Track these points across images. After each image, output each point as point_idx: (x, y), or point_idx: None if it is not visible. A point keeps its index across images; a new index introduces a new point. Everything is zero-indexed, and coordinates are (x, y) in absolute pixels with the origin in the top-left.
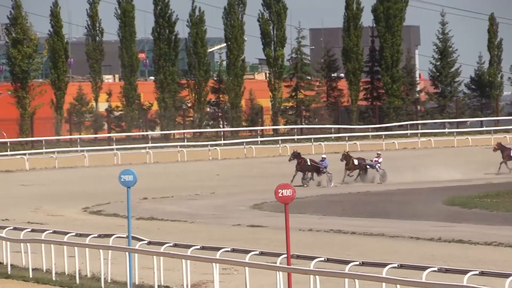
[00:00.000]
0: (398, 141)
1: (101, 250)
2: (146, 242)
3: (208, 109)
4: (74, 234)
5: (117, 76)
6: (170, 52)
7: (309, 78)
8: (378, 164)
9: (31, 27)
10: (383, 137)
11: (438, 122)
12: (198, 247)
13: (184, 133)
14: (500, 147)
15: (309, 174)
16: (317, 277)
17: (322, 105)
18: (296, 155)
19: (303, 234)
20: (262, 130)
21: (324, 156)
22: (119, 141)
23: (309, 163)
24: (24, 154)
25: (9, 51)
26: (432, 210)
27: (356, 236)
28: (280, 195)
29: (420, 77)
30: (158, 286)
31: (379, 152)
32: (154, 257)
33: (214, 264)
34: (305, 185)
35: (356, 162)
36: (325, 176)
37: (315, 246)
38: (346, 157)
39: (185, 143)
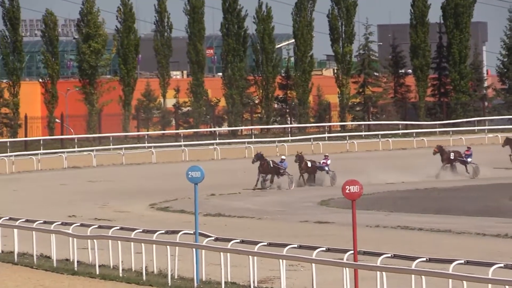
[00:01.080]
0: (466, 137)
1: (168, 247)
2: (213, 238)
3: (275, 105)
4: (141, 230)
5: (185, 72)
6: (239, 48)
7: (377, 74)
8: (327, 167)
9: (103, 23)
10: (451, 133)
11: (505, 118)
12: (265, 243)
13: (251, 129)
14: (440, 150)
15: (269, 176)
16: (383, 273)
17: (389, 101)
18: (259, 157)
19: (370, 230)
20: (329, 126)
21: (283, 157)
22: (186, 137)
23: (271, 165)
24: (92, 151)
25: (80, 46)
26: (499, 206)
27: (423, 233)
28: (347, 191)
29: (487, 73)
30: (225, 282)
31: (326, 154)
32: (221, 253)
33: (280, 260)
34: (267, 188)
35: (309, 164)
36: (286, 178)
37: (382, 243)
38: (300, 158)
39: (253, 139)
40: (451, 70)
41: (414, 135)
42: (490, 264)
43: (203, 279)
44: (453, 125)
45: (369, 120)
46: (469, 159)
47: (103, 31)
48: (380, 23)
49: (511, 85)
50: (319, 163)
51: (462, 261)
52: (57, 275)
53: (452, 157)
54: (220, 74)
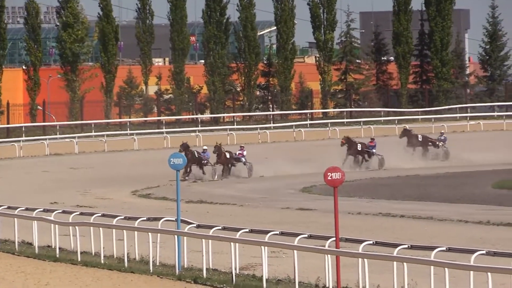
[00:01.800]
0: (448, 124)
1: (150, 233)
2: (195, 225)
3: (257, 93)
4: (123, 217)
5: (167, 59)
6: (221, 35)
7: (359, 61)
8: (244, 158)
9: (82, 11)
10: (433, 120)
11: (487, 105)
12: (247, 230)
13: (233, 116)
14: (348, 142)
15: (192, 167)
16: (365, 260)
17: (371, 88)
18: (185, 147)
19: (352, 217)
20: (311, 113)
21: (205, 147)
22: (168, 124)
23: (196, 155)
24: (74, 138)
25: (60, 34)
26: (481, 194)
27: (405, 220)
28: (329, 178)
29: (469, 60)
30: (207, 269)
31: (242, 145)
32: (203, 240)
33: (262, 247)
34: (186, 179)
35: (228, 155)
36: (209, 169)
37: (364, 229)
38: (218, 150)
39: (235, 126)
40: (433, 57)
41: (396, 122)
42: (472, 251)
43: (185, 266)
44: (435, 112)
45: (351, 107)
46: (373, 150)
47: (85, 19)
48: (363, 10)
49: (493, 72)
50: (235, 154)
51: (444, 248)
52: (38, 261)
53: (359, 149)
54: (202, 61)
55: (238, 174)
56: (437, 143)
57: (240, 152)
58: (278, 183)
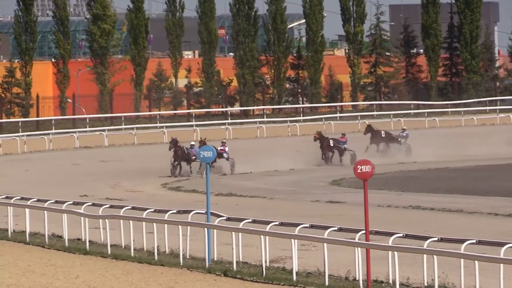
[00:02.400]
0: (477, 117)
1: (179, 226)
2: (225, 218)
3: (287, 85)
4: (153, 210)
5: (196, 52)
6: (249, 28)
7: (388, 54)
8: (226, 154)
9: (111, 3)
10: (462, 113)
11: None
12: (277, 223)
13: (263, 109)
14: (320, 137)
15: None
16: (395, 253)
17: (401, 81)
18: (174, 143)
19: (381, 210)
20: (341, 106)
21: (193, 143)
22: (198, 117)
23: (186, 152)
24: (103, 130)
25: (89, 27)
26: (511, 187)
27: (435, 212)
28: (359, 171)
29: (499, 53)
30: (237, 262)
31: (224, 141)
32: (233, 233)
33: (292, 240)
34: (175, 175)
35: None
36: (197, 165)
37: (394, 222)
38: (203, 145)
39: (264, 119)
40: (462, 50)
41: (426, 115)
42: (502, 244)
43: (215, 259)
44: (465, 105)
45: (380, 100)
46: (344, 146)
47: (113, 12)
48: (392, 3)
49: None
50: (218, 149)
51: (474, 241)
52: (68, 254)
53: (331, 144)
54: (232, 54)
55: (219, 171)
56: (399, 139)
57: (222, 148)
58: (307, 176)
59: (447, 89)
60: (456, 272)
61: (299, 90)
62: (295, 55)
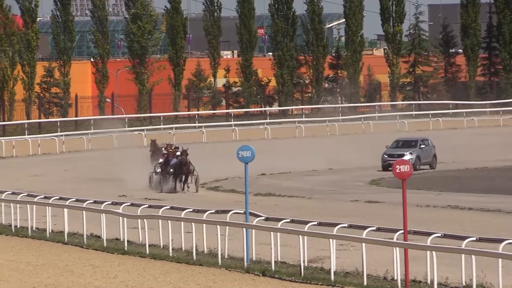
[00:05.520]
0: None
1: (218, 226)
2: (263, 218)
3: (326, 85)
4: (191, 210)
5: (235, 52)
6: (288, 28)
7: (427, 54)
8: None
9: (151, 3)
10: (501, 113)
11: None
12: (315, 223)
13: (302, 109)
14: (153, 146)
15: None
16: (433, 252)
17: (439, 80)
18: (154, 145)
19: (420, 210)
20: (380, 105)
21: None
22: (237, 117)
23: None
24: (142, 130)
25: (129, 27)
26: None
27: (473, 212)
28: (397, 170)
29: None
30: (275, 262)
31: (172, 144)
32: (271, 233)
33: (331, 240)
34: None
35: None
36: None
37: (432, 222)
38: (154, 146)
39: (303, 119)
40: (501, 49)
41: (465, 114)
42: None
43: (253, 259)
44: (503, 104)
45: (419, 100)
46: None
47: (153, 11)
48: (431, 2)
49: None
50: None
51: None
52: (107, 254)
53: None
54: (271, 54)
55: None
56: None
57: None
58: (346, 175)
59: (486, 88)
60: (494, 271)
61: (338, 90)
62: (333, 54)
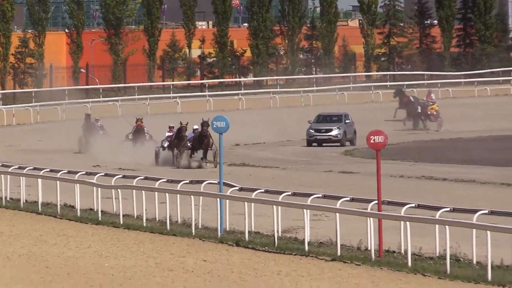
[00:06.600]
0: (490, 88)
1: (192, 196)
2: (237, 188)
3: (301, 56)
4: (165, 180)
5: (210, 22)
6: None
7: (402, 25)
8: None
9: None
10: (476, 83)
11: None
12: (289, 193)
13: (277, 79)
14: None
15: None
16: (407, 223)
17: (414, 51)
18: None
19: (394, 180)
20: (354, 76)
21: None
22: (211, 87)
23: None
24: (117, 101)
25: None
26: None
27: (447, 183)
28: (372, 141)
29: None
30: (249, 232)
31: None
32: (245, 203)
33: (305, 210)
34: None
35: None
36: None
37: (406, 193)
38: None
39: (278, 90)
40: (476, 20)
41: (439, 85)
42: None
43: (227, 229)
44: (478, 75)
45: (394, 71)
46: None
47: None
48: None
49: None
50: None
51: (486, 211)
52: (81, 224)
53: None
54: (246, 24)
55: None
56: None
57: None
58: (320, 146)
59: (461, 59)
60: (468, 242)
61: (313, 61)
62: (309, 25)
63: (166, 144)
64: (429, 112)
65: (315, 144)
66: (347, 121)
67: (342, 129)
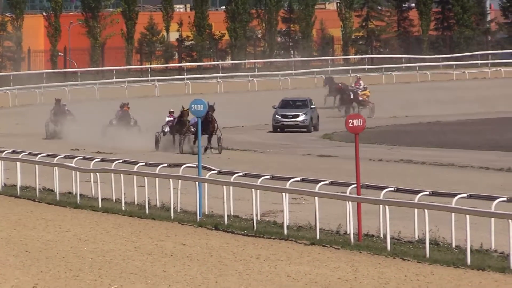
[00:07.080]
0: (469, 71)
1: (171, 180)
2: (216, 171)
3: (278, 39)
4: (144, 164)
5: (188, 5)
6: None
7: (380, 8)
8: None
9: None
10: (454, 67)
11: (508, 52)
12: (268, 177)
13: (254, 63)
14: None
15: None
16: (386, 206)
17: (392, 35)
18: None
19: (373, 164)
20: (332, 59)
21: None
22: (189, 70)
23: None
24: (95, 84)
25: None
26: (502, 140)
27: (426, 166)
28: (350, 125)
29: (490, 7)
30: (228, 216)
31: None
32: (224, 186)
33: (283, 194)
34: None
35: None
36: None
37: (385, 176)
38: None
39: (256, 73)
40: (454, 3)
41: (417, 68)
42: (493, 198)
43: (206, 212)
44: (456, 59)
45: (372, 54)
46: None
47: None
48: None
49: None
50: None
51: (465, 195)
52: (59, 208)
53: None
54: (224, 7)
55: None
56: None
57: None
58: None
59: (439, 43)
60: (447, 226)
61: (291, 44)
62: (286, 8)
63: (167, 129)
64: (360, 98)
65: (280, 130)
66: (312, 106)
67: (309, 114)
